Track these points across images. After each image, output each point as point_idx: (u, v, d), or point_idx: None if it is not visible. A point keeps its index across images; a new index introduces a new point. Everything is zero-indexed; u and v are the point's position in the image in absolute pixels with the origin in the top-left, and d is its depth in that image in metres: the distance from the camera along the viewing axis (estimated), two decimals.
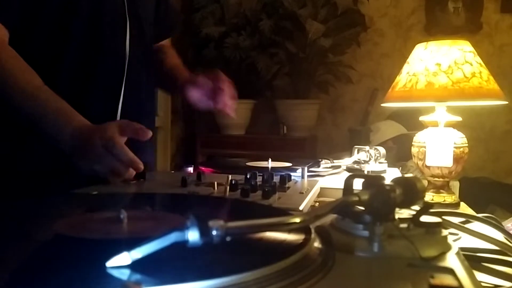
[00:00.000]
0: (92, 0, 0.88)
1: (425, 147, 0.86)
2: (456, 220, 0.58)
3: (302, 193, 0.62)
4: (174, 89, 1.10)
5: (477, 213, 0.71)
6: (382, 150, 0.99)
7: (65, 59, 0.86)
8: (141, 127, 0.71)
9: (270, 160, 0.96)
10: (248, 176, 0.70)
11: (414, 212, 0.37)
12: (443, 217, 0.45)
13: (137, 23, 0.97)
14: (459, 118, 0.87)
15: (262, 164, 0.99)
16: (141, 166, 0.71)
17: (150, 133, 0.71)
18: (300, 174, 0.76)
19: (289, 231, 0.36)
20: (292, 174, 0.75)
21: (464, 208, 0.85)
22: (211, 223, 0.28)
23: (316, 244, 0.35)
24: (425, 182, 0.87)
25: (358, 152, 1.01)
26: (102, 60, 0.90)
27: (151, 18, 1.06)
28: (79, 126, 0.75)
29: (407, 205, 0.38)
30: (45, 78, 0.81)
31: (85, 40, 0.88)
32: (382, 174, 0.89)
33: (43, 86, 0.78)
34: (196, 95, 0.96)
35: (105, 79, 0.91)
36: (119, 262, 0.28)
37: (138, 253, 0.28)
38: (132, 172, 0.71)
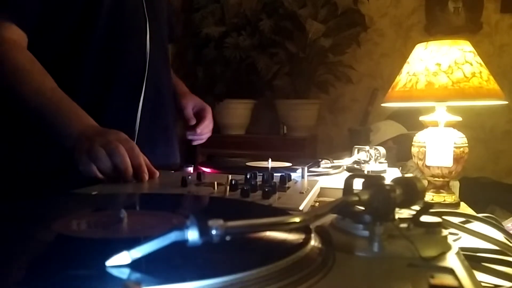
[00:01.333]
0: (113, 3, 0.89)
1: (425, 147, 0.86)
2: (456, 220, 0.58)
3: (302, 193, 0.62)
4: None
5: (477, 213, 0.71)
6: (382, 150, 0.99)
7: (87, 60, 0.88)
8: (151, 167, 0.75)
9: (270, 160, 0.96)
10: (248, 176, 0.70)
11: (414, 212, 0.37)
12: (443, 217, 0.45)
13: (155, 23, 0.98)
14: (459, 118, 0.87)
15: (262, 164, 0.99)
16: (146, 177, 0.72)
17: (156, 175, 0.75)
18: (300, 174, 0.76)
19: (289, 230, 0.36)
20: (292, 174, 0.75)
21: (464, 208, 0.85)
22: (210, 222, 0.28)
23: (316, 244, 0.35)
24: (425, 182, 0.87)
25: (358, 152, 1.01)
26: (124, 61, 0.92)
27: (166, 20, 1.07)
28: (89, 125, 0.77)
29: (407, 205, 0.38)
30: (67, 80, 0.82)
31: (107, 41, 0.89)
32: (382, 174, 0.89)
33: (57, 88, 0.80)
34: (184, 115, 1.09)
35: (127, 80, 0.93)
36: (119, 261, 0.28)
37: (138, 252, 0.28)
38: (131, 172, 0.71)
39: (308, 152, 2.63)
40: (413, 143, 0.90)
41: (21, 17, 0.82)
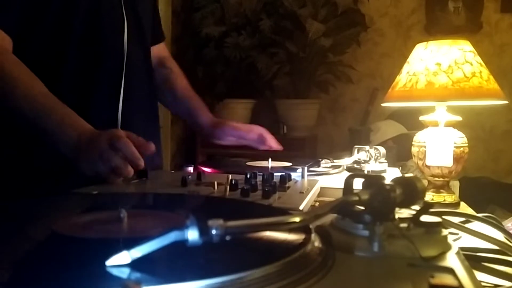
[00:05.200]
0: (90, 2, 0.88)
1: (425, 146, 0.86)
2: (456, 219, 0.58)
3: (302, 192, 0.62)
4: (191, 122, 1.19)
5: (477, 213, 0.71)
6: (382, 149, 0.99)
7: (66, 61, 0.87)
8: (145, 142, 0.74)
9: (270, 160, 0.96)
10: (248, 176, 0.70)
11: (414, 212, 0.37)
12: (443, 216, 0.45)
13: (135, 22, 0.97)
14: (459, 118, 0.87)
15: (262, 164, 0.99)
16: (141, 163, 0.70)
17: (152, 147, 0.74)
18: (300, 174, 0.76)
19: (289, 230, 0.36)
20: (292, 174, 0.75)
21: (464, 208, 0.85)
22: (210, 222, 0.28)
23: (316, 243, 0.35)
24: (425, 182, 0.87)
25: (358, 152, 1.01)
26: (102, 60, 0.91)
27: (150, 19, 1.06)
28: (84, 130, 0.76)
29: (407, 205, 0.38)
30: (47, 82, 0.81)
31: (85, 41, 0.88)
32: (382, 174, 0.88)
33: (48, 93, 0.79)
34: (233, 139, 1.12)
35: (106, 78, 0.92)
36: (119, 261, 0.28)
37: (138, 252, 0.28)
38: (131, 170, 0.70)
39: (308, 152, 2.63)
40: (413, 143, 0.90)
41: (6, 20, 0.81)
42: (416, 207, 0.37)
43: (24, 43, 0.85)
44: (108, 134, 0.73)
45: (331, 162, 1.00)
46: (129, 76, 0.95)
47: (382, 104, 0.97)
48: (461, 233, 0.52)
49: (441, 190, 0.86)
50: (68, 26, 0.86)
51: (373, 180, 0.38)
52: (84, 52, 0.88)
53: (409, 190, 0.37)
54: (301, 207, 0.54)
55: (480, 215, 0.64)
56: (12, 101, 0.78)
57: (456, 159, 0.84)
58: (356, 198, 0.36)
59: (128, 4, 0.96)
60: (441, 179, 0.86)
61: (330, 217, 0.39)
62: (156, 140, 1.10)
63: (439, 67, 0.85)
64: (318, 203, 0.70)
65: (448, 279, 0.29)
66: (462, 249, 0.37)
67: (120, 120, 0.94)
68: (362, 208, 0.36)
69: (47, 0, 0.85)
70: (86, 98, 0.89)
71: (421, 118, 0.89)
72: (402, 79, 0.90)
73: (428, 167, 0.86)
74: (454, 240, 0.48)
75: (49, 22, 0.85)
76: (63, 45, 0.87)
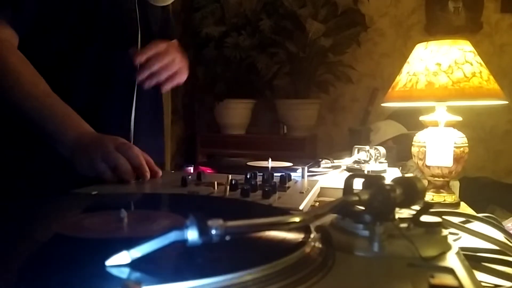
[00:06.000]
0: (109, 13, 0.89)
1: (425, 147, 0.86)
2: (456, 220, 0.58)
3: (302, 192, 0.62)
4: None
5: (477, 213, 0.71)
6: (382, 149, 0.99)
7: (82, 66, 0.88)
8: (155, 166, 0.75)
9: (270, 160, 0.96)
10: (248, 176, 0.70)
11: (414, 212, 0.37)
12: (443, 217, 0.45)
13: (147, 31, 0.98)
14: (459, 118, 0.87)
15: (262, 164, 0.99)
16: (148, 175, 0.72)
17: (159, 175, 0.75)
18: (300, 174, 0.76)
19: (289, 230, 0.36)
20: (292, 174, 0.75)
21: (464, 208, 0.85)
22: (210, 222, 0.28)
23: (316, 243, 0.35)
24: (425, 182, 0.87)
25: (358, 152, 1.01)
26: (116, 67, 0.92)
27: (158, 28, 1.07)
28: (84, 132, 0.76)
29: (407, 205, 0.38)
30: (63, 84, 0.82)
31: (102, 48, 0.89)
32: (382, 174, 0.88)
33: (50, 92, 0.79)
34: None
35: (119, 88, 0.93)
36: (119, 261, 0.28)
37: (138, 252, 0.28)
38: (133, 176, 0.71)
39: (308, 152, 2.63)
40: (413, 143, 0.90)
41: (16, 17, 0.81)
42: (416, 207, 0.37)
43: (42, 43, 0.85)
44: (115, 139, 0.73)
45: (331, 162, 1.00)
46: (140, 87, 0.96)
47: (382, 104, 0.97)
48: (461, 233, 0.52)
49: (441, 190, 0.86)
50: (85, 33, 0.87)
51: (373, 180, 0.38)
52: (100, 59, 0.89)
53: (409, 190, 0.37)
54: (301, 207, 0.54)
55: (480, 215, 0.64)
56: (13, 97, 0.78)
57: (456, 159, 0.84)
58: (356, 198, 0.36)
59: (142, 13, 0.96)
60: (441, 179, 0.86)
61: (330, 217, 0.39)
62: (160, 137, 1.11)
63: (439, 67, 0.85)
64: (318, 203, 0.70)
65: (448, 279, 0.29)
66: (462, 249, 0.37)
67: (133, 120, 0.94)
68: (362, 208, 0.36)
69: (66, 6, 0.85)
70: (100, 102, 0.90)
71: (421, 118, 0.89)
72: (402, 79, 0.90)
73: (428, 167, 0.86)
74: (454, 240, 0.48)
75: (66, 29, 0.85)
76: (80, 50, 0.87)
